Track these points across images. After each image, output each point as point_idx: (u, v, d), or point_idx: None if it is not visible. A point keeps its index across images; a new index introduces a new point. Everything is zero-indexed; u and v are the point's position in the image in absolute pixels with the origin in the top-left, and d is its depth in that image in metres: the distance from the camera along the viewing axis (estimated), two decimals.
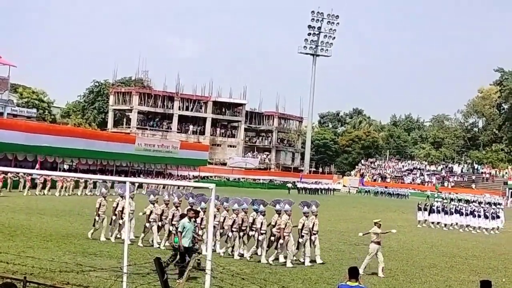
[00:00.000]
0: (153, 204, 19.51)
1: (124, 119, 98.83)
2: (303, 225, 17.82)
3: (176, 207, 18.72)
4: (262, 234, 17.63)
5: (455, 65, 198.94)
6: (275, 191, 69.28)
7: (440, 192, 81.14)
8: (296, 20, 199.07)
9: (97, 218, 19.73)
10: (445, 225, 35.64)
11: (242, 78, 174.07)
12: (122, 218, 19.16)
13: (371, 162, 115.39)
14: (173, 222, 17.84)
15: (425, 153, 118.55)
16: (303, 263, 17.58)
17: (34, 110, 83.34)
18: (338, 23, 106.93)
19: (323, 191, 77.89)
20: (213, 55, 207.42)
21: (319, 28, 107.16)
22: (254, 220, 18.16)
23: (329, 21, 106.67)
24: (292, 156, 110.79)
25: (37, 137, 47.60)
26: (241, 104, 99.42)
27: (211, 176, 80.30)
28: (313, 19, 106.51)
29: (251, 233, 18.16)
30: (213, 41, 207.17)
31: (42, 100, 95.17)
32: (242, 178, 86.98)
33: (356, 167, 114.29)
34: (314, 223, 18.13)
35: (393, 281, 16.30)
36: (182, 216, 15.58)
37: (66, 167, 54.40)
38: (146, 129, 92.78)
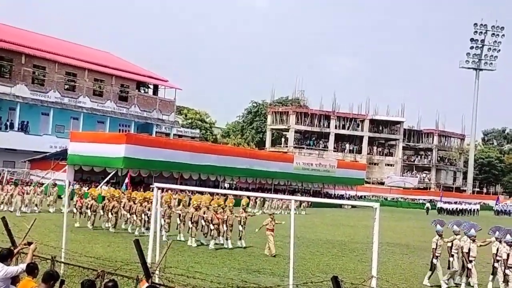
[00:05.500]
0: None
1: (282, 139, 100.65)
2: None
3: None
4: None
5: None
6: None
7: None
8: (457, 34, 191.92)
9: (434, 260, 16.95)
10: None
11: (400, 96, 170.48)
12: (469, 262, 16.61)
13: None
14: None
15: None
16: None
17: (198, 131, 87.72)
18: (503, 35, 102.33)
19: (465, 212, 71.05)
20: (370, 72, 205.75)
21: (483, 41, 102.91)
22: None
23: (493, 33, 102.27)
24: (454, 176, 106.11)
25: (201, 156, 49.48)
26: (398, 122, 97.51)
27: (368, 196, 79.20)
28: (476, 31, 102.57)
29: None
30: (370, 58, 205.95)
31: (204, 121, 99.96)
32: (401, 198, 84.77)
33: None
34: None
35: None
36: None
37: (226, 185, 56.20)
38: (303, 148, 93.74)
